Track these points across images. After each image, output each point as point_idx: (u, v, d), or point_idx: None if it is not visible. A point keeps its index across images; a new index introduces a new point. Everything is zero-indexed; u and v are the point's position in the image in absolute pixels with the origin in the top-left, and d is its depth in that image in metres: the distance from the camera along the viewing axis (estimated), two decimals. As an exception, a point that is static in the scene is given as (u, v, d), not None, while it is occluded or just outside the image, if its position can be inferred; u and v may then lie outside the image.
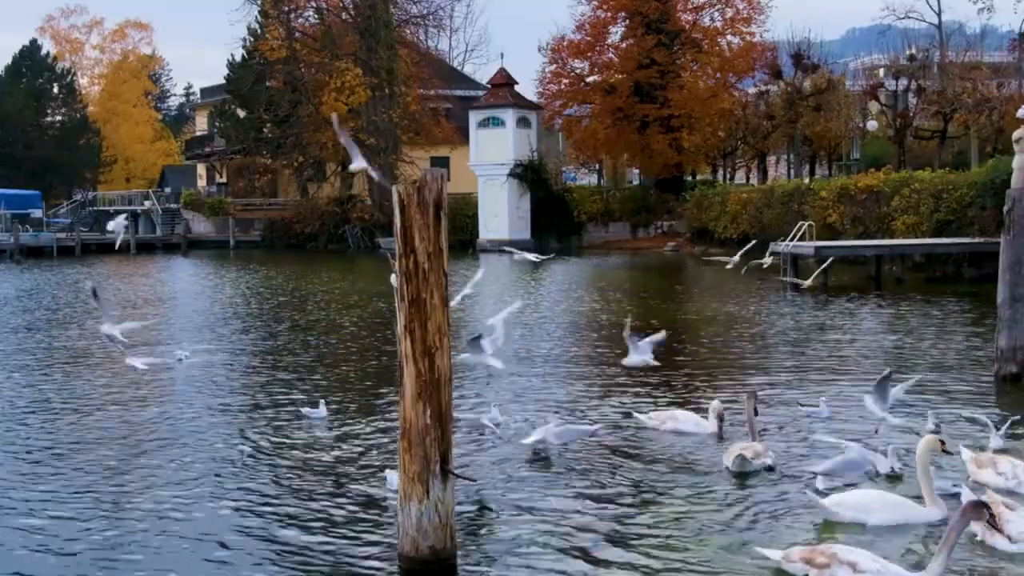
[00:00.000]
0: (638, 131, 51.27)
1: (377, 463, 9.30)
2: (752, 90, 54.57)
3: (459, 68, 78.77)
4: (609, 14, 53.35)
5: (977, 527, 6.79)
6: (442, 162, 57.48)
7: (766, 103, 52.11)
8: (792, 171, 51.75)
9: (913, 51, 47.18)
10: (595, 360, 15.51)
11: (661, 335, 11.36)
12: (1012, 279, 12.52)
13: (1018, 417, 9.21)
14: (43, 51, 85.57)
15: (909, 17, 57.43)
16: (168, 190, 72.02)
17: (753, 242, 15.88)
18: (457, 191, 43.87)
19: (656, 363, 11.24)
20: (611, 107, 51.74)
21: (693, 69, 53.06)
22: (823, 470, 8.33)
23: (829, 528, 7.31)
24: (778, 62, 52.00)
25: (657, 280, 33.11)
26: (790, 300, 24.18)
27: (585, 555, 6.94)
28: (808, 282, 15.84)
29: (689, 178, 56.28)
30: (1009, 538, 6.65)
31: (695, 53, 52.52)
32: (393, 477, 7.80)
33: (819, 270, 15.02)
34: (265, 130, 63.22)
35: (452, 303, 6.80)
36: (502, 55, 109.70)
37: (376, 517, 7.76)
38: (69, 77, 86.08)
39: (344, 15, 61.88)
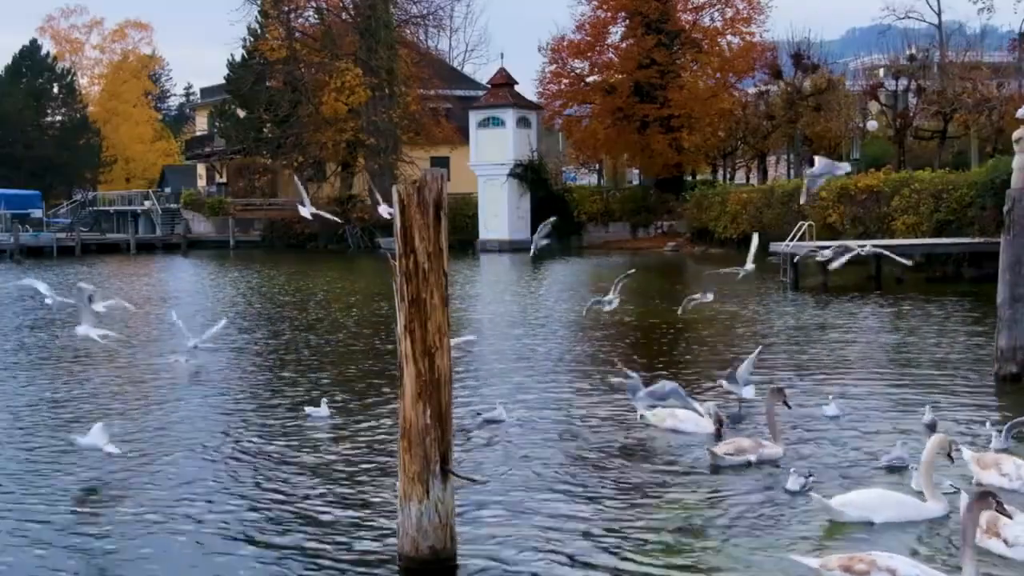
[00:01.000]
0: (638, 131, 51.27)
1: (377, 463, 9.31)
2: (752, 90, 54.57)
3: (459, 68, 78.75)
4: (609, 14, 53.35)
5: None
6: (442, 162, 57.47)
7: (766, 103, 52.12)
8: (792, 171, 51.74)
9: (913, 51, 47.17)
10: (596, 359, 15.50)
11: (753, 354, 11.43)
12: (1012, 279, 12.52)
13: (1022, 419, 9.21)
14: (43, 51, 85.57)
15: (909, 17, 57.44)
16: (168, 190, 72.05)
17: (755, 239, 15.73)
18: (457, 191, 43.88)
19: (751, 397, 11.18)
20: (611, 107, 51.74)
21: (693, 69, 53.07)
22: (645, 394, 8.78)
23: (835, 528, 7.32)
24: (778, 62, 52.00)
25: (657, 280, 33.10)
26: (791, 300, 24.20)
27: (585, 555, 6.94)
28: (745, 268, 15.48)
29: (689, 178, 56.29)
30: (1006, 541, 6.64)
31: (695, 53, 52.52)
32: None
33: (752, 250, 14.79)
34: (265, 130, 63.20)
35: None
36: (502, 55, 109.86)
37: (376, 517, 7.76)
38: (69, 77, 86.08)
39: (344, 15, 61.88)
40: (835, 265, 15.35)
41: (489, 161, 52.79)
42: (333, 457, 9.62)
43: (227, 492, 8.53)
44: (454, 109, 63.33)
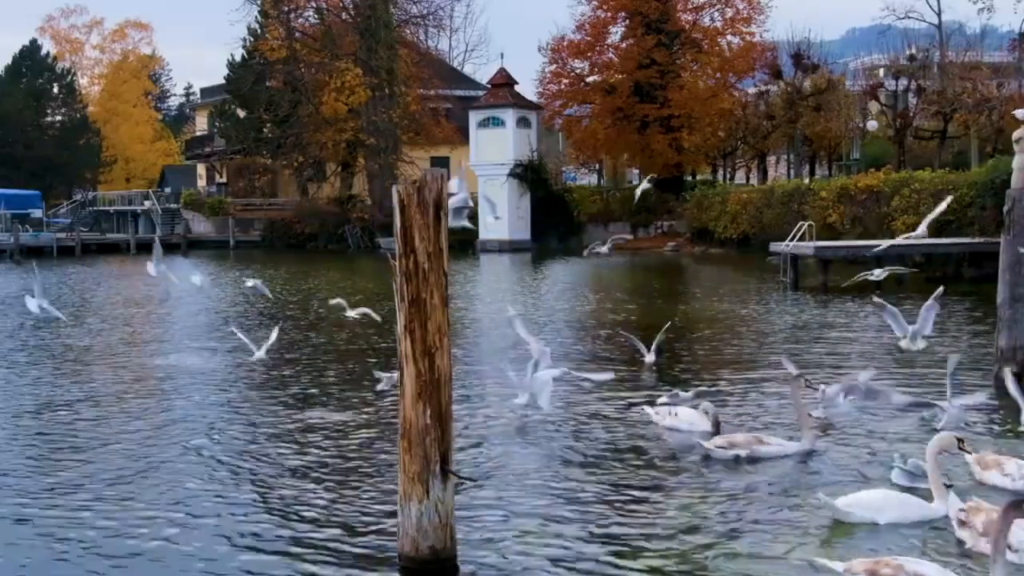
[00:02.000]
0: (638, 131, 51.28)
1: (377, 463, 9.31)
2: (752, 90, 54.59)
3: (459, 68, 78.76)
4: (609, 14, 53.37)
5: (967, 537, 6.76)
6: (442, 162, 57.47)
7: (766, 103, 52.13)
8: (792, 171, 51.75)
9: (913, 51, 47.18)
10: (599, 357, 15.50)
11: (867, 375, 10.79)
12: (1012, 279, 12.51)
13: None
14: (43, 51, 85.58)
15: (909, 17, 57.45)
16: (168, 190, 72.05)
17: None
18: (457, 191, 43.80)
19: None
20: (611, 107, 51.75)
21: (693, 69, 53.08)
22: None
23: (840, 528, 7.32)
24: (778, 62, 52.02)
25: (658, 280, 33.10)
26: (791, 300, 24.20)
27: (586, 555, 6.94)
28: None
29: (689, 178, 56.30)
30: (1009, 547, 6.61)
31: (695, 53, 52.54)
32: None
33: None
34: (265, 130, 63.24)
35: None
36: (502, 55, 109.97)
37: (376, 517, 7.76)
38: (69, 77, 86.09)
39: (344, 15, 61.89)
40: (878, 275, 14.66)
41: (489, 161, 52.78)
42: (333, 456, 9.62)
43: (226, 491, 8.53)
44: (454, 109, 63.34)
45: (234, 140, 64.69)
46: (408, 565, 6.58)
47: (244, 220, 61.79)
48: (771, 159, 57.73)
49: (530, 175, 53.09)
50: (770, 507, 7.84)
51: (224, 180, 71.41)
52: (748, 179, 59.35)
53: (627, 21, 52.76)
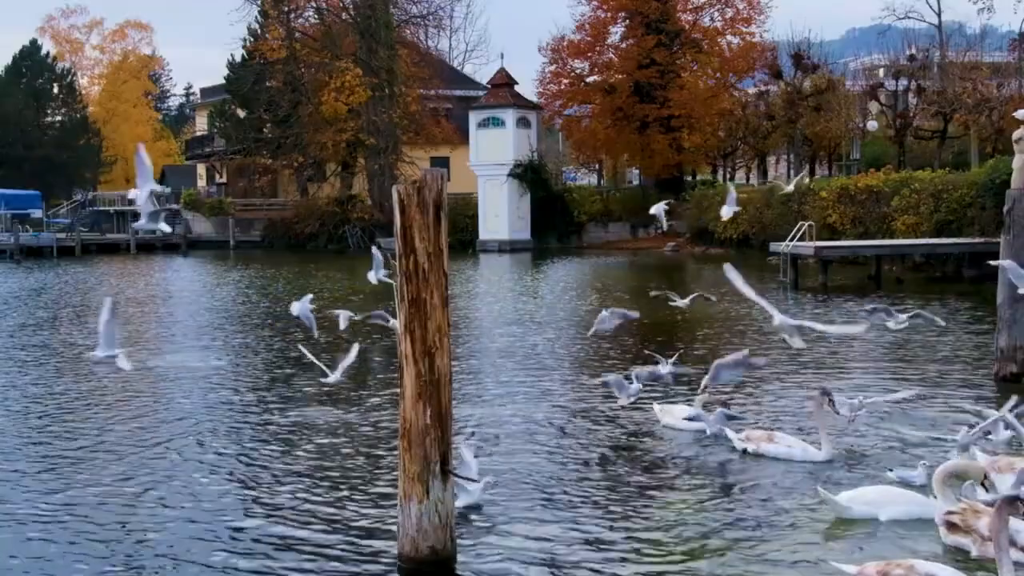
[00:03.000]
0: (638, 131, 51.26)
1: (377, 463, 9.31)
2: (752, 90, 54.56)
3: (459, 68, 78.73)
4: (609, 14, 53.34)
5: (972, 545, 6.72)
6: (442, 162, 57.44)
7: (766, 103, 52.10)
8: (792, 171, 51.72)
9: (913, 51, 47.15)
10: (597, 358, 15.49)
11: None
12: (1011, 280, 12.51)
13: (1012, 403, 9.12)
14: (43, 51, 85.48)
15: (909, 17, 57.40)
16: (168, 190, 71.95)
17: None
18: (457, 191, 43.86)
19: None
20: (611, 107, 51.73)
21: (693, 69, 53.05)
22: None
23: (841, 524, 7.31)
24: (778, 62, 51.97)
25: (657, 280, 33.08)
26: (791, 300, 24.18)
27: (586, 555, 6.94)
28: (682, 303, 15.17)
29: (689, 178, 56.27)
30: (1015, 544, 6.60)
31: (695, 53, 52.51)
32: None
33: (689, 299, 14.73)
34: (265, 130, 63.19)
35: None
36: (502, 55, 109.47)
37: (376, 517, 7.76)
38: (69, 77, 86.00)
39: (344, 15, 61.85)
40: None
41: (489, 161, 52.77)
42: (333, 457, 9.62)
43: (226, 491, 8.54)
44: (454, 109, 63.30)
45: (234, 140, 64.63)
46: (408, 565, 6.59)
47: (244, 220, 61.75)
48: (771, 159, 57.69)
49: (530, 175, 53.07)
50: (771, 507, 7.84)
51: (224, 180, 71.38)
52: (748, 179, 59.32)
53: (627, 21, 52.75)
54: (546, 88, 55.60)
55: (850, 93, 48.35)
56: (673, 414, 10.48)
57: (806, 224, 31.19)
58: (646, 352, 14.50)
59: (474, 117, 54.50)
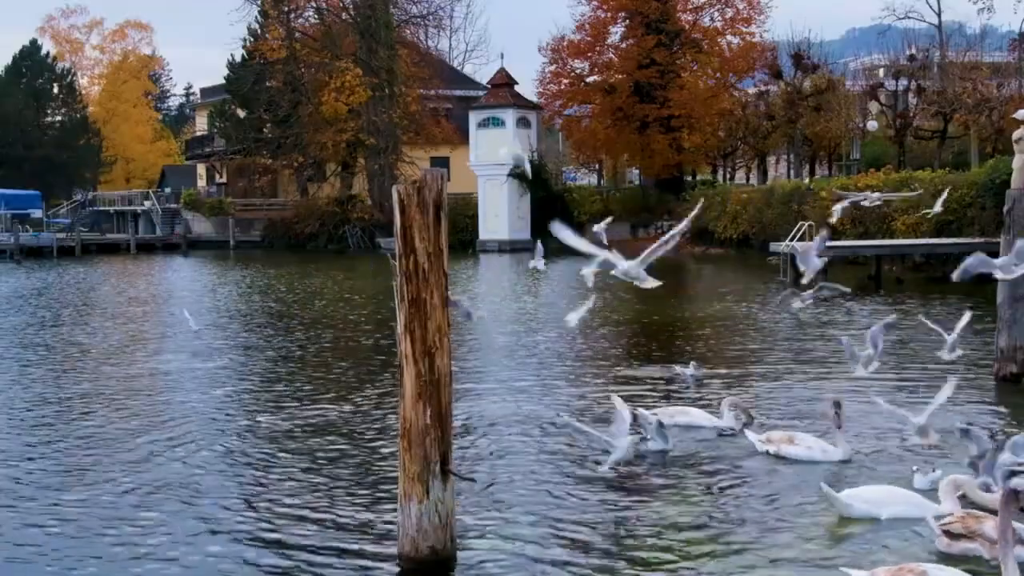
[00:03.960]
0: (638, 131, 51.25)
1: (377, 463, 9.31)
2: (752, 90, 54.54)
3: (459, 68, 78.73)
4: (609, 14, 53.33)
5: (982, 549, 6.68)
6: (442, 162, 57.44)
7: (766, 103, 52.09)
8: (792, 171, 51.73)
9: (913, 51, 47.15)
10: (597, 358, 15.49)
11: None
12: (1012, 279, 12.51)
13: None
14: (43, 51, 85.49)
15: (909, 17, 57.41)
16: (168, 190, 72.00)
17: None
18: (457, 191, 43.85)
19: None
20: (611, 107, 51.72)
21: (693, 69, 53.04)
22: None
23: (842, 523, 7.31)
24: (778, 62, 51.95)
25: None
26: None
27: (586, 555, 6.94)
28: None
29: (689, 178, 56.27)
30: (1022, 540, 6.59)
31: (695, 53, 52.50)
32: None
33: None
34: (265, 130, 63.21)
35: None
36: (502, 55, 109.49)
37: (376, 517, 7.76)
38: (69, 77, 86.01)
39: (344, 15, 61.86)
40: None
41: (489, 161, 52.76)
42: (333, 456, 9.62)
43: (225, 491, 8.53)
44: (454, 109, 63.30)
45: (234, 140, 64.64)
46: (408, 565, 6.58)
47: (244, 220, 61.76)
48: (771, 159, 57.67)
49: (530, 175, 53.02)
50: (773, 506, 7.84)
51: (224, 180, 71.38)
52: (748, 179, 59.30)
53: (627, 21, 52.73)
54: (546, 88, 55.61)
55: (850, 93, 48.34)
56: (688, 414, 10.50)
57: (806, 224, 31.20)
58: (654, 353, 14.54)
59: (474, 117, 54.50)
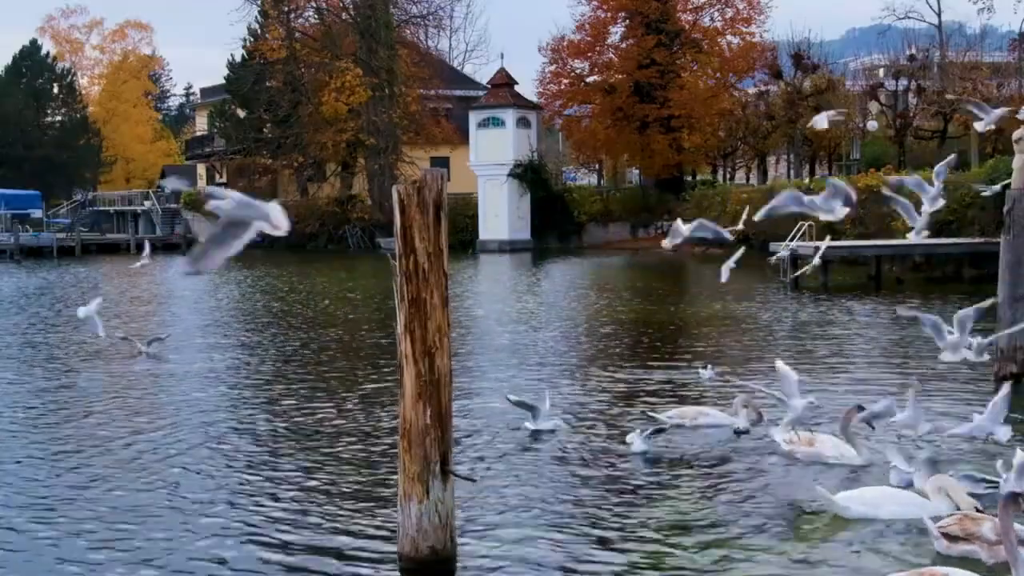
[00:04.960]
0: (638, 131, 51.27)
1: (377, 463, 9.31)
2: (752, 90, 54.55)
3: (459, 68, 78.72)
4: (609, 14, 53.35)
5: (981, 551, 6.67)
6: (442, 162, 57.42)
7: (766, 103, 52.11)
8: (792, 171, 51.74)
9: (913, 51, 47.18)
10: (597, 357, 15.50)
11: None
12: (1012, 279, 12.53)
13: None
14: (43, 51, 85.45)
15: (909, 17, 57.39)
16: (168, 190, 72.01)
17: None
18: (457, 191, 43.85)
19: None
20: (611, 107, 51.74)
21: (693, 69, 53.05)
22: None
23: (839, 524, 7.30)
24: (778, 62, 51.98)
25: (657, 280, 33.09)
26: (791, 300, 24.20)
27: (587, 555, 6.94)
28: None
29: (689, 178, 56.27)
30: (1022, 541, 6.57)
31: (695, 53, 52.52)
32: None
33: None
34: (265, 130, 63.21)
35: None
36: (502, 55, 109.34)
37: (376, 517, 7.75)
38: (69, 77, 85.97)
39: (344, 15, 61.87)
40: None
41: (489, 161, 52.78)
42: (333, 456, 9.62)
43: (225, 491, 8.53)
44: (454, 109, 63.30)
45: (234, 140, 64.66)
46: (408, 565, 6.58)
47: (244, 220, 61.72)
48: (771, 159, 57.67)
49: (530, 175, 53.07)
50: (773, 506, 7.84)
51: (224, 180, 71.36)
52: (748, 179, 59.30)
53: (627, 21, 52.75)
54: (546, 88, 55.64)
55: (850, 93, 48.36)
56: (705, 415, 10.48)
57: (806, 224, 31.18)
58: (667, 354, 14.54)
59: (474, 117, 54.51)
